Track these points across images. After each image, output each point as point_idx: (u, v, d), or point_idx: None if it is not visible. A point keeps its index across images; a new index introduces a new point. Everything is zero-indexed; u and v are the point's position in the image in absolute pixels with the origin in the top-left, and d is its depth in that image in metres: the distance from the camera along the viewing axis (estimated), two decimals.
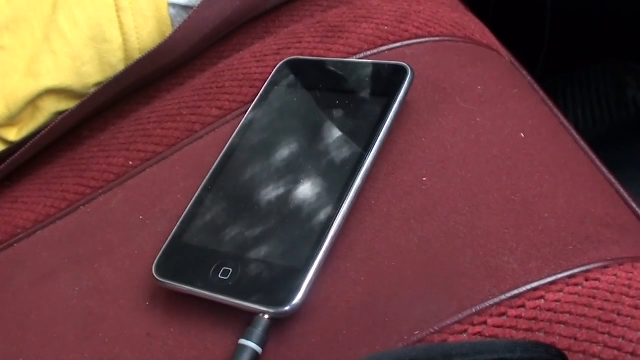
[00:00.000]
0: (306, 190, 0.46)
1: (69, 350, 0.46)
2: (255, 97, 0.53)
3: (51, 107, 0.59)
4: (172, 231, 0.47)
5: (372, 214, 0.46)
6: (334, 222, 0.44)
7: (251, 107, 0.52)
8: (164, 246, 0.46)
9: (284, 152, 0.49)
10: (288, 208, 0.45)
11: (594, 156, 0.51)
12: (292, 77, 0.53)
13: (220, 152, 0.50)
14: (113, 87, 0.57)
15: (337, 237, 0.44)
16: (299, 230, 0.44)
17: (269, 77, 0.54)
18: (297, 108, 0.51)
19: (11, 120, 0.58)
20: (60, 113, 0.58)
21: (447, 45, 0.56)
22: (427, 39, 0.55)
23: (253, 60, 0.57)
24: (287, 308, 0.41)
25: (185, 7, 0.58)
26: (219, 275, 0.44)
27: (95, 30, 0.57)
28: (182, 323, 0.45)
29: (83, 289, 0.49)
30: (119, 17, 0.57)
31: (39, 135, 0.56)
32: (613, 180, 0.50)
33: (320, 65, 0.53)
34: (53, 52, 0.57)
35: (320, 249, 0.43)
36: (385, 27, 0.56)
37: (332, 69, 0.52)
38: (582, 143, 0.52)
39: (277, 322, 0.42)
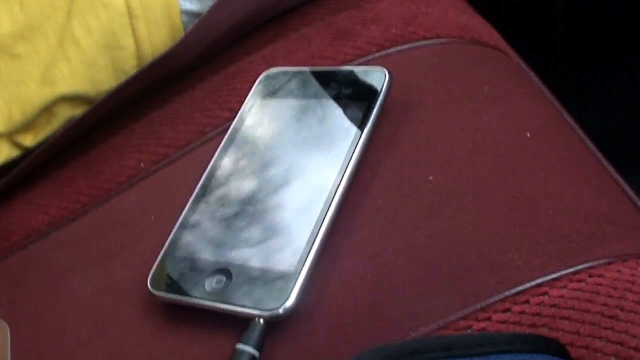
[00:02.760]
0: (294, 195, 0.47)
1: (82, 347, 0.47)
2: (238, 110, 0.54)
3: (66, 113, 0.59)
4: (164, 244, 0.48)
5: (379, 213, 0.46)
6: (322, 224, 0.44)
7: (235, 120, 0.53)
8: (157, 260, 0.47)
9: (270, 161, 0.50)
10: (277, 214, 0.46)
11: (600, 155, 0.51)
12: (274, 88, 0.54)
13: (208, 164, 0.51)
14: (125, 91, 0.57)
15: (337, 238, 0.45)
16: (290, 234, 0.45)
17: (251, 90, 0.55)
18: (281, 118, 0.52)
19: (27, 126, 0.59)
20: None
21: (455, 47, 0.56)
22: (434, 41, 0.56)
23: (263, 63, 0.58)
24: (280, 311, 0.42)
25: (197, 14, 0.59)
26: (213, 284, 0.44)
27: (108, 37, 0.57)
28: (191, 321, 0.45)
29: (95, 289, 0.50)
30: (132, 24, 0.58)
31: (52, 139, 0.57)
32: (619, 179, 0.50)
33: (300, 75, 0.54)
34: (68, 59, 0.57)
35: (311, 251, 0.44)
36: (393, 30, 0.56)
37: (312, 77, 0.53)
38: (589, 142, 0.52)
39: (274, 325, 0.43)
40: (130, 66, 0.59)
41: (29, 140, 0.60)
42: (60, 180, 0.59)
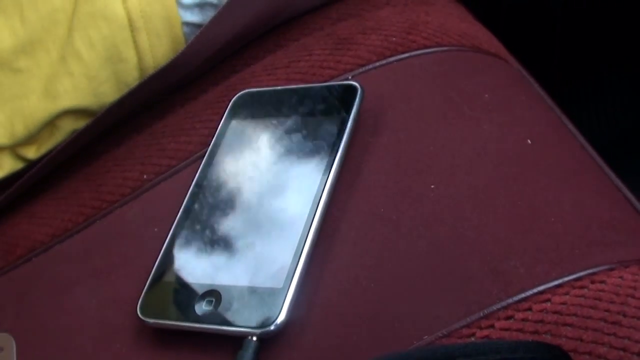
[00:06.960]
0: (277, 213, 0.47)
1: None
2: (213, 134, 0.54)
3: (69, 126, 0.60)
4: (151, 271, 0.48)
5: (381, 222, 0.47)
6: (307, 238, 0.45)
7: (211, 144, 0.53)
8: (146, 287, 0.47)
9: (250, 182, 0.50)
10: (262, 233, 0.47)
11: (601, 161, 0.52)
12: (247, 110, 0.54)
13: (188, 190, 0.51)
14: (127, 103, 0.57)
15: (338, 248, 0.46)
16: (275, 250, 0.45)
17: (225, 113, 0.55)
18: (256, 139, 0.52)
19: (30, 139, 0.59)
20: None
21: (455, 55, 0.56)
22: (435, 49, 0.56)
23: (264, 74, 0.58)
24: (272, 327, 0.42)
25: (199, 26, 0.59)
26: (203, 306, 0.45)
27: (110, 50, 0.58)
28: (190, 340, 0.45)
29: (100, 301, 0.50)
30: (133, 37, 0.58)
31: (54, 151, 0.57)
32: (620, 185, 0.50)
33: (272, 95, 0.54)
34: (70, 73, 0.58)
35: (298, 266, 0.44)
36: (394, 38, 0.57)
37: (284, 97, 0.54)
38: (590, 149, 0.52)
39: (270, 341, 0.43)
40: (132, 78, 0.59)
41: (32, 152, 0.60)
42: (63, 193, 0.59)
